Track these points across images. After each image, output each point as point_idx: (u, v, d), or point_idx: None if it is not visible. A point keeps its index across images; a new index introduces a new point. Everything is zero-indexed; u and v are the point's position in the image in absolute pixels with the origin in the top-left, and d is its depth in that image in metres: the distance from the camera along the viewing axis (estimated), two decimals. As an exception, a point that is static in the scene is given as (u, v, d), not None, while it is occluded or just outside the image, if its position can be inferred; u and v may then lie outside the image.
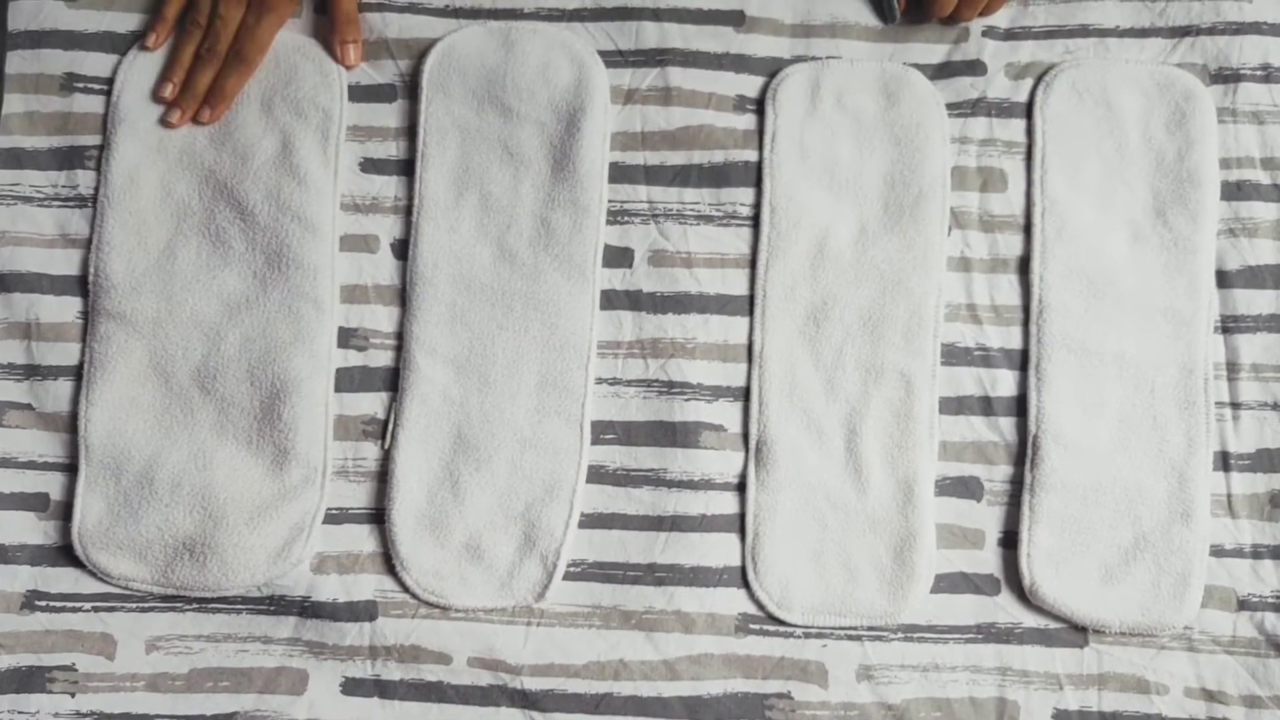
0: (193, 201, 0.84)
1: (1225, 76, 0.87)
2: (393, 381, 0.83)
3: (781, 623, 0.80)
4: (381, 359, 0.84)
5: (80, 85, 0.86)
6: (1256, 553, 0.81)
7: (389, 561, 0.81)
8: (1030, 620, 0.81)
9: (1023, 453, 0.83)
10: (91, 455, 0.81)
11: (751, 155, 0.86)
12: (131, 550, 0.80)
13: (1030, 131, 0.87)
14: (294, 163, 0.84)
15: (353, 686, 0.79)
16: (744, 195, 0.86)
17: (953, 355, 0.84)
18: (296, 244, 0.82)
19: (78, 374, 0.82)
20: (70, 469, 0.82)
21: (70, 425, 0.82)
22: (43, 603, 0.80)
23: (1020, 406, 0.83)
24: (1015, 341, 0.84)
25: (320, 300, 0.82)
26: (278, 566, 0.79)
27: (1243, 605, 0.81)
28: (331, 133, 0.85)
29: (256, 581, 0.79)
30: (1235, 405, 0.83)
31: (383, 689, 0.79)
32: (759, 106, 0.87)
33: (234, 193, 0.83)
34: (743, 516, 0.82)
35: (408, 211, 0.85)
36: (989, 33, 0.88)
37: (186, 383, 0.82)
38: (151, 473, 0.80)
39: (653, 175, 0.86)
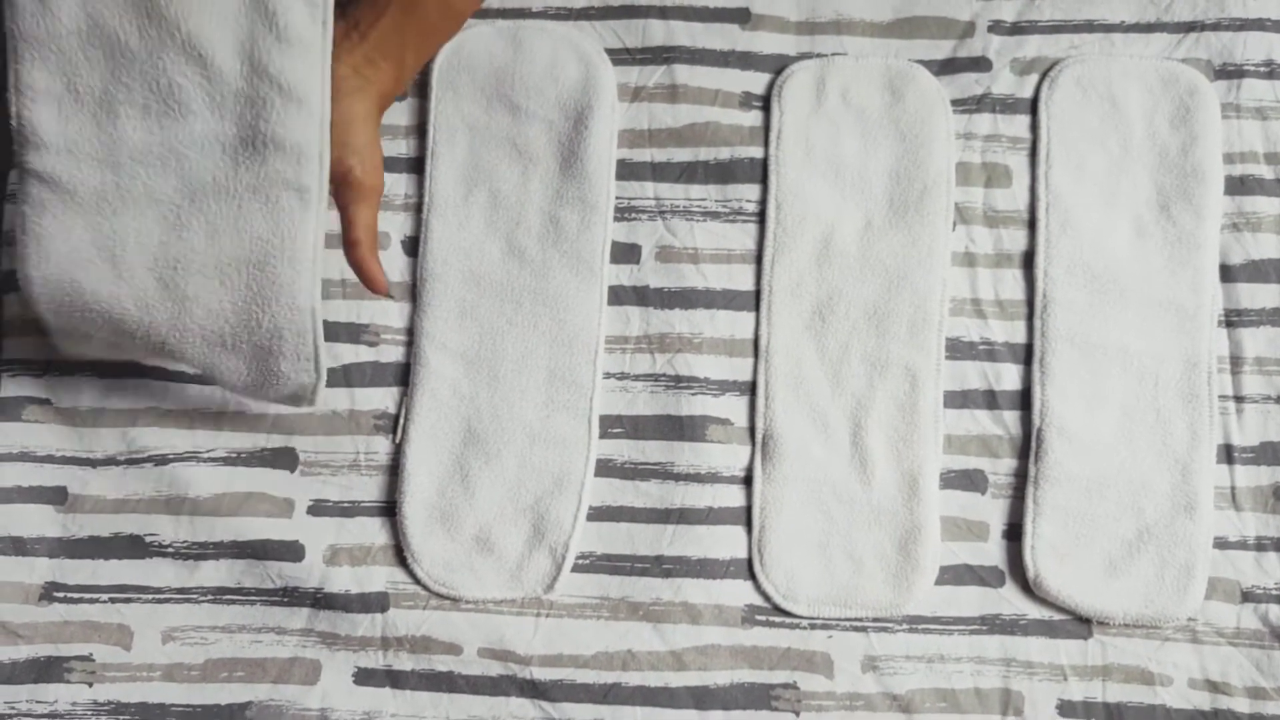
0: (130, 39, 0.66)
1: (1229, 72, 0.87)
2: (403, 376, 0.84)
3: (787, 614, 0.81)
4: (392, 354, 0.85)
5: (96, 85, 0.87)
6: (1260, 545, 0.82)
7: (400, 554, 0.82)
8: (1034, 612, 0.81)
9: (1027, 446, 0.83)
10: (55, 337, 0.74)
11: (757, 152, 0.87)
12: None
13: (1035, 127, 0.87)
14: (269, 9, 0.66)
15: (365, 677, 0.80)
16: (750, 191, 0.87)
17: (957, 349, 0.85)
18: (276, 117, 0.67)
19: (92, 365, 0.83)
20: (85, 463, 0.83)
21: (88, 420, 0.83)
22: (61, 594, 0.81)
23: (1024, 400, 0.84)
24: (1019, 336, 0.85)
25: (306, 189, 0.69)
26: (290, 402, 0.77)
27: (1246, 597, 0.81)
28: None
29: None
30: (1238, 398, 0.84)
31: (394, 679, 0.80)
32: (765, 103, 0.88)
33: (191, 37, 0.66)
34: (749, 509, 0.83)
35: (418, 209, 0.86)
36: (994, 28, 0.89)
37: (142, 274, 0.69)
38: (119, 343, 0.73)
39: (660, 172, 0.87)
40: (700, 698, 0.80)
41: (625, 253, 0.86)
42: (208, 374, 0.74)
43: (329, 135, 0.68)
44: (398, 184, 0.87)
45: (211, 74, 0.66)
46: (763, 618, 0.81)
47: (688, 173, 0.87)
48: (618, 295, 0.85)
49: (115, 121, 0.66)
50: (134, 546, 0.82)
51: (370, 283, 0.76)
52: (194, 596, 0.82)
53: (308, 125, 0.67)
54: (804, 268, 0.85)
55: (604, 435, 0.84)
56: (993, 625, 0.81)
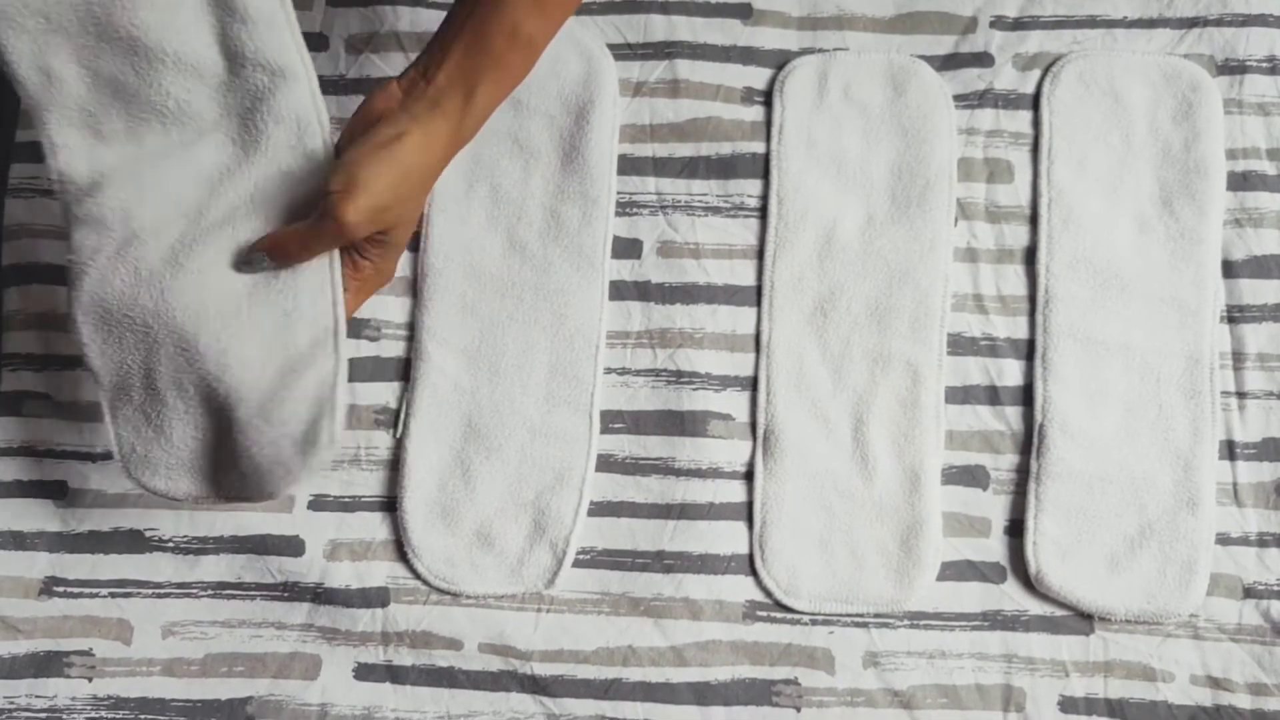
0: (128, 77, 0.68)
1: (1232, 68, 0.87)
2: (404, 371, 0.84)
3: (789, 610, 0.81)
4: (393, 349, 0.85)
5: (97, 79, 0.87)
6: (1262, 541, 0.82)
7: (401, 549, 0.82)
8: (1036, 608, 0.81)
9: (1029, 442, 0.83)
10: (102, 381, 0.69)
11: (759, 147, 0.87)
12: (181, 468, 0.71)
13: (1037, 123, 0.87)
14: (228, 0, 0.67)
15: (365, 672, 0.80)
16: (751, 186, 0.86)
17: (959, 345, 0.84)
18: (266, 94, 0.69)
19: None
20: (85, 457, 0.83)
21: (88, 415, 0.83)
22: (61, 589, 0.81)
23: (1026, 396, 0.84)
24: (1021, 331, 0.85)
25: (313, 152, 0.70)
26: (310, 455, 0.68)
27: (1248, 593, 0.81)
28: None
29: (294, 477, 0.69)
30: (1241, 394, 0.83)
31: (395, 674, 0.80)
32: (766, 98, 0.88)
33: (177, 54, 0.68)
34: (750, 505, 0.83)
35: (419, 203, 0.86)
36: (996, 24, 0.89)
37: (159, 265, 0.67)
38: (153, 380, 0.68)
39: (661, 167, 0.87)
40: (701, 693, 0.80)
41: (627, 248, 0.86)
42: (225, 388, 0.67)
43: (322, 102, 0.70)
44: (399, 179, 0.87)
45: (206, 77, 0.69)
46: (764, 613, 0.81)
47: (689, 168, 0.87)
48: (619, 290, 0.85)
49: (140, 146, 0.69)
50: (134, 541, 0.82)
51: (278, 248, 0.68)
52: (194, 591, 0.81)
53: (299, 94, 0.69)
54: (806, 263, 0.85)
55: (605, 430, 0.84)
56: (994, 621, 0.81)
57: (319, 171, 0.69)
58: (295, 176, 0.69)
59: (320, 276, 0.69)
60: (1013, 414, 0.84)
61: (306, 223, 0.67)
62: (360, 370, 0.84)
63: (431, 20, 0.88)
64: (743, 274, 0.86)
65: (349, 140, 0.68)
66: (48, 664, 0.80)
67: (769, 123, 0.87)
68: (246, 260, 0.68)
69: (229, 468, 0.70)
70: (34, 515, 0.82)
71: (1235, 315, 0.84)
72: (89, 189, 0.68)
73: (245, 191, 0.69)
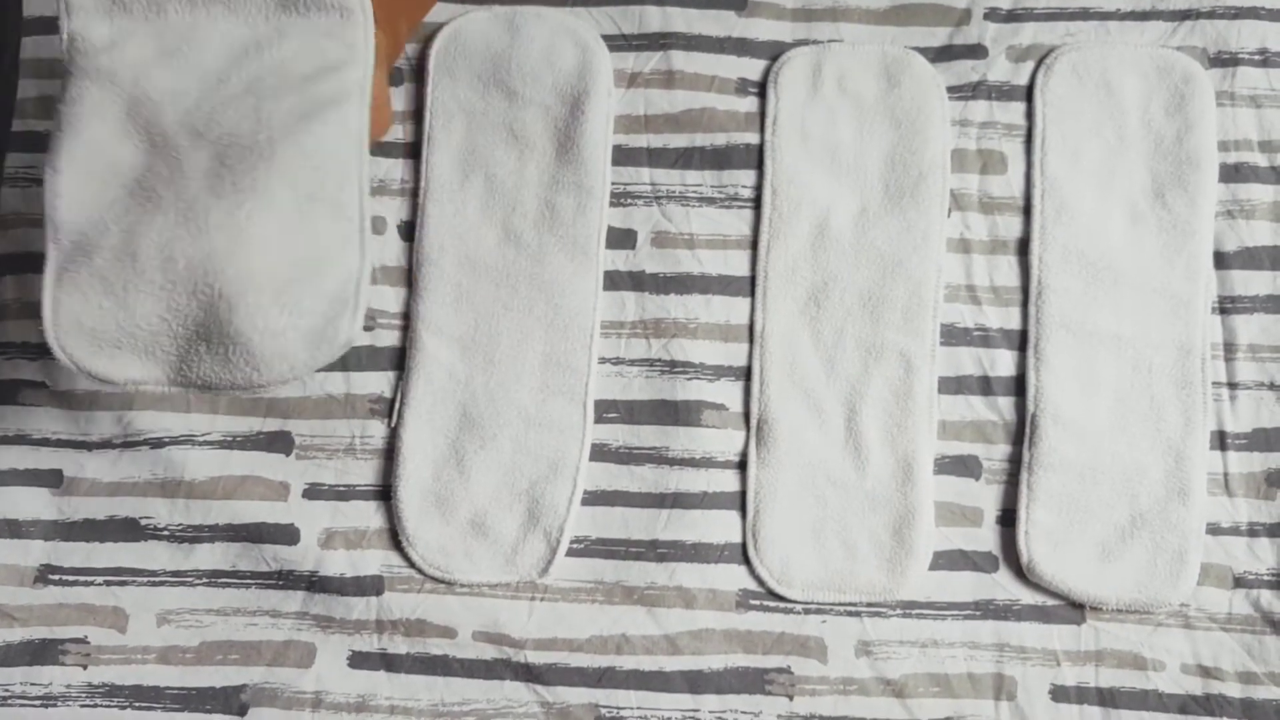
0: None
1: (1224, 60, 0.88)
2: (399, 361, 0.85)
3: (782, 599, 0.81)
4: (389, 339, 0.85)
5: (92, 69, 0.87)
6: (1253, 531, 0.82)
7: (395, 537, 0.82)
8: (1028, 597, 0.82)
9: (1021, 432, 0.83)
10: (60, 236, 0.63)
11: (753, 138, 0.87)
12: (132, 347, 0.64)
13: (1030, 114, 0.88)
14: None
15: (360, 660, 0.81)
16: (746, 177, 0.87)
17: (952, 335, 0.85)
18: None
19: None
20: (81, 446, 0.83)
21: (84, 403, 0.83)
22: (56, 577, 0.82)
23: (1019, 386, 0.84)
24: (1014, 322, 0.85)
25: (352, 43, 0.68)
26: (321, 351, 0.64)
27: (1239, 583, 0.81)
28: None
29: (297, 371, 0.64)
30: (1232, 385, 0.84)
31: (389, 662, 0.80)
32: (761, 89, 0.88)
33: None
34: (744, 494, 0.83)
35: (414, 194, 0.86)
36: (990, 15, 0.89)
37: (174, 129, 0.64)
38: (133, 245, 0.63)
39: (656, 158, 0.87)
40: (694, 682, 0.80)
41: (621, 238, 0.86)
42: (237, 268, 0.63)
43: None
44: (394, 169, 0.87)
45: None
46: (757, 602, 0.81)
47: (684, 158, 0.87)
48: (613, 280, 0.86)
49: (164, 16, 0.67)
50: (129, 529, 0.82)
51: None
52: (189, 579, 0.82)
53: None
54: (799, 253, 0.85)
55: (599, 420, 0.84)
56: (986, 610, 0.81)
57: (359, 60, 0.67)
58: (325, 51, 0.67)
59: (348, 163, 0.66)
60: (1005, 404, 0.84)
61: None
62: (355, 359, 0.84)
63: (427, 11, 0.88)
64: (737, 264, 0.86)
65: None
66: (43, 652, 0.80)
67: (763, 114, 0.87)
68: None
69: (206, 353, 0.64)
70: (29, 503, 0.82)
71: (1227, 306, 0.85)
72: (104, 48, 0.65)
73: (273, 63, 0.66)
